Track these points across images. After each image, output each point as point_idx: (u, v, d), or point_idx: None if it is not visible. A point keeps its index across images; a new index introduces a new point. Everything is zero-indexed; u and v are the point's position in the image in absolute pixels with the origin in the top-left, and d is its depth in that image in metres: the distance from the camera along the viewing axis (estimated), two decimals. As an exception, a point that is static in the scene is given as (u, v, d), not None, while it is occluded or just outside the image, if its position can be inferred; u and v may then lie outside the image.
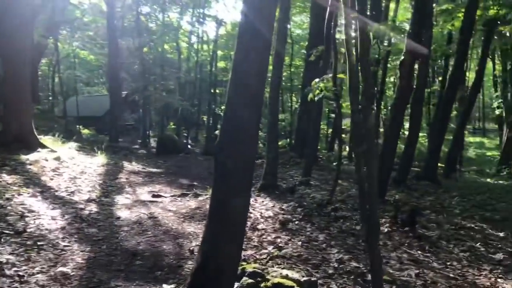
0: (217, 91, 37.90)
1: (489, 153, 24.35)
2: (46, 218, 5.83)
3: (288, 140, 21.61)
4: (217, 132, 37.35)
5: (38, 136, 12.17)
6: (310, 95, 7.00)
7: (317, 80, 6.80)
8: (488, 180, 15.56)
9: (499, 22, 13.34)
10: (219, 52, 33.43)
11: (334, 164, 15.90)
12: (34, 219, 5.69)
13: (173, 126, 36.87)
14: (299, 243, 5.28)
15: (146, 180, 10.10)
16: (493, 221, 7.16)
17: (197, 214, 6.54)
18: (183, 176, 11.11)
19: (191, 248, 5.01)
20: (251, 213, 6.59)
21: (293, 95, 28.71)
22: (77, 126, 25.41)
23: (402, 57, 7.92)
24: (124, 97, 28.44)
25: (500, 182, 14.80)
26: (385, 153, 8.06)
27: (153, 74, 26.87)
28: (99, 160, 11.59)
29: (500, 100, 26.73)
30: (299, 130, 15.14)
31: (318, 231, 5.84)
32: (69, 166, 10.20)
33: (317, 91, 6.79)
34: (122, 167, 11.53)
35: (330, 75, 7.09)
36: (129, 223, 6.07)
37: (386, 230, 5.93)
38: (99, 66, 32.13)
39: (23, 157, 9.77)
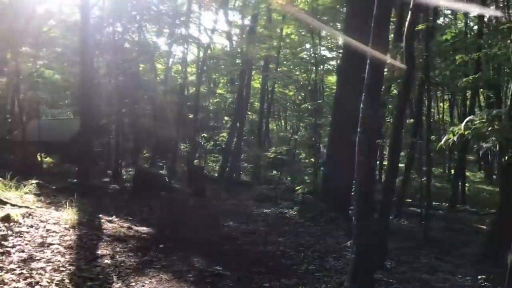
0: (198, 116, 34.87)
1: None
2: None
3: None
4: (196, 162, 34.13)
5: (-18, 179, 8.84)
6: (444, 141, 4.09)
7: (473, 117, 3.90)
8: None
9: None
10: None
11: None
12: None
13: (146, 155, 33.38)
14: None
15: (141, 258, 6.79)
16: None
17: None
18: (191, 247, 7.79)
19: None
20: None
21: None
22: (38, 154, 21.79)
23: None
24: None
25: None
26: None
27: (128, 97, 23.68)
28: (67, 216, 8.27)
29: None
30: (329, 170, 12.05)
31: None
32: (24, 231, 6.95)
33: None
34: (100, 229, 8.21)
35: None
36: None
37: None
38: (65, 87, 28.41)
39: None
